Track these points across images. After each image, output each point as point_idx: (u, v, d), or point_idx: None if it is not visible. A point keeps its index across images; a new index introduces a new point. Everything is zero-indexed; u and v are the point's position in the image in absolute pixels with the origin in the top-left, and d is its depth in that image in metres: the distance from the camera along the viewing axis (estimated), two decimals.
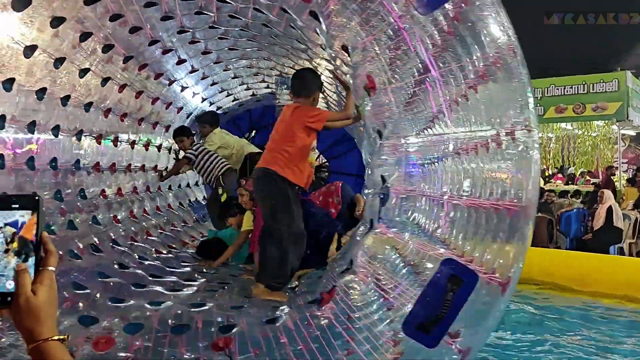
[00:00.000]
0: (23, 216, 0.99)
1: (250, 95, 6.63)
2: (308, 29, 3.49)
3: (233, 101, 6.66)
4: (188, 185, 6.55)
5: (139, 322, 2.85)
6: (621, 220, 7.70)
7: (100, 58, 3.79)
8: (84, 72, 3.70)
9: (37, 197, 1.01)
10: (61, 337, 0.95)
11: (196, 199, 6.57)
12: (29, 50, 3.06)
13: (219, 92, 6.24)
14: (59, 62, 3.38)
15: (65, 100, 3.66)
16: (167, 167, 5.91)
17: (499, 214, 2.25)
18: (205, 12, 3.92)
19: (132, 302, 3.12)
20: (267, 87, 6.38)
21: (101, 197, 4.36)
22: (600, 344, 4.50)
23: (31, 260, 0.98)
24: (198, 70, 5.21)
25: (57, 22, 3.15)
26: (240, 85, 6.26)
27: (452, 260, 2.28)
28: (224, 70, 5.57)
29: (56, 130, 3.68)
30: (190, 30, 4.23)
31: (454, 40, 2.30)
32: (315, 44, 3.91)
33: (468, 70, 2.34)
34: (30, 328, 0.94)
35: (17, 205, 1.00)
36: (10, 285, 0.96)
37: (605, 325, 5.05)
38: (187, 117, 6.15)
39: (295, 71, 4.28)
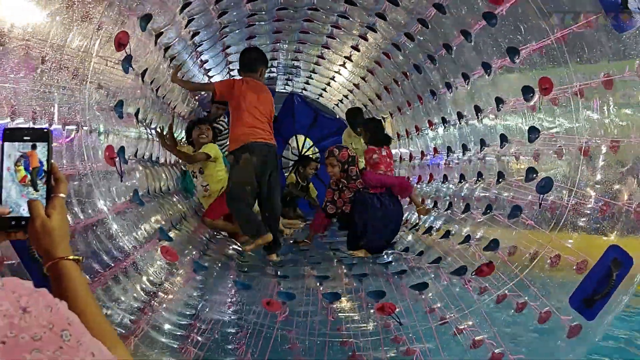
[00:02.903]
0: (35, 147, 1.06)
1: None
2: None
3: None
4: None
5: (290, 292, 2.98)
6: None
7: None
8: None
9: (46, 130, 1.07)
10: (76, 257, 1.02)
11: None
12: (127, 64, 2.73)
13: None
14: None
15: None
16: None
17: None
18: None
19: None
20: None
21: None
22: None
23: (43, 188, 1.05)
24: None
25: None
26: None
27: (616, 246, 2.65)
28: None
29: None
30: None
31: None
32: None
33: None
34: (46, 248, 1.01)
35: (28, 138, 1.06)
36: (24, 210, 1.03)
37: None
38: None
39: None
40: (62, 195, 1.05)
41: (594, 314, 2.61)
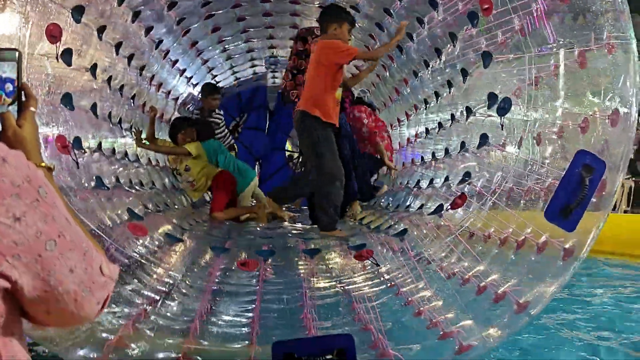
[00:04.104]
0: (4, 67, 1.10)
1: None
2: None
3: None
4: None
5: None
6: None
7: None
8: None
9: (14, 49, 1.12)
10: (48, 165, 1.06)
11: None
12: (68, 57, 2.70)
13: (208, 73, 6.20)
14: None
15: None
16: None
17: None
18: None
19: None
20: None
21: None
22: None
23: (14, 104, 1.09)
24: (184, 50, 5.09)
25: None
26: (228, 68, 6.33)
27: (585, 151, 2.56)
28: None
29: None
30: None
31: None
32: None
33: None
34: None
35: None
36: None
37: None
38: (175, 103, 5.94)
39: None
40: (32, 109, 1.10)
41: (573, 224, 2.53)
